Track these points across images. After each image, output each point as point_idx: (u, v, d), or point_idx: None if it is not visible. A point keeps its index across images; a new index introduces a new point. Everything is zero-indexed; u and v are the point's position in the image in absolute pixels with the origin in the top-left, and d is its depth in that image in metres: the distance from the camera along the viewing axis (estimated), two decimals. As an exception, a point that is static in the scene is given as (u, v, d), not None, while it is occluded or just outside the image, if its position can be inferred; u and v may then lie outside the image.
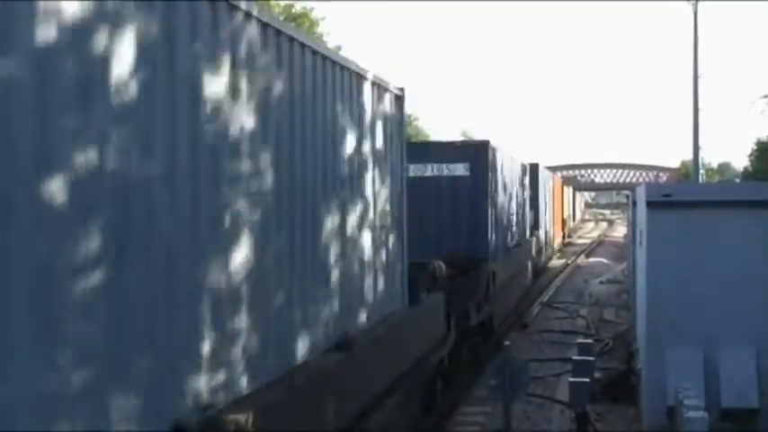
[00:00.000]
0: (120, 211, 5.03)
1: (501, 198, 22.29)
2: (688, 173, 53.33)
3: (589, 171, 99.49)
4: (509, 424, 11.93)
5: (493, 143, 20.74)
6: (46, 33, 4.41)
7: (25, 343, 4.37)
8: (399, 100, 12.06)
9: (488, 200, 19.97)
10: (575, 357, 15.57)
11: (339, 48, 39.51)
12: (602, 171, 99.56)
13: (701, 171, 40.17)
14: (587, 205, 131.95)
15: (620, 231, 70.30)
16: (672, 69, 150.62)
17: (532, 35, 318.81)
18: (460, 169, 19.60)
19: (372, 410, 9.62)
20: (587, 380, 13.83)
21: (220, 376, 6.24)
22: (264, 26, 7.21)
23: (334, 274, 9.12)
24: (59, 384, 4.58)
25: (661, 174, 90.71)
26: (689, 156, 44.19)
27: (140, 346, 5.30)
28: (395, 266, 11.70)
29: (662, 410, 12.44)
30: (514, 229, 25.52)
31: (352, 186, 9.81)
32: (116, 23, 4.97)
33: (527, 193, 29.68)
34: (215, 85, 6.18)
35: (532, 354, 21.14)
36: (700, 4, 37.50)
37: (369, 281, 10.38)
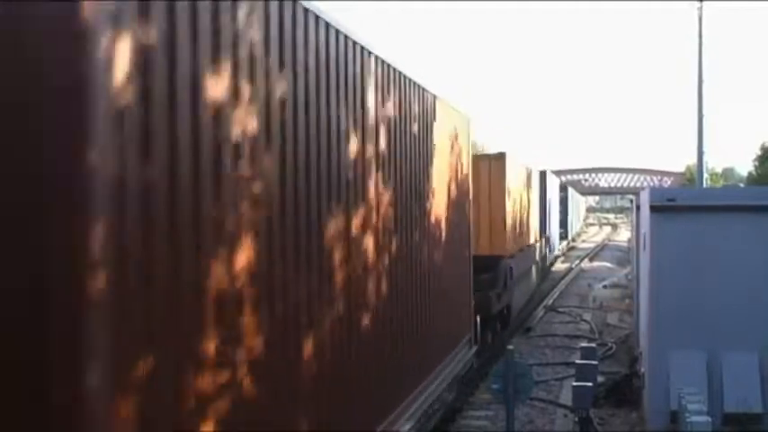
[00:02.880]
0: None
1: None
2: (692, 177, 53.30)
3: (593, 175, 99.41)
4: (512, 427, 11.94)
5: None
6: None
7: None
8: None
9: None
10: (578, 361, 15.59)
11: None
12: (606, 175, 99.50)
13: (705, 176, 40.13)
14: (591, 209, 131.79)
15: (623, 235, 70.26)
16: (676, 73, 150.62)
17: (537, 40, 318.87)
18: None
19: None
20: (590, 384, 13.84)
21: None
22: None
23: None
24: None
25: (665, 178, 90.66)
26: (693, 160, 44.19)
27: None
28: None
29: (665, 414, 12.45)
30: None
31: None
32: None
33: None
34: None
35: (536, 358, 21.15)
36: (704, 4, 37.50)
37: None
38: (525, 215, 26.64)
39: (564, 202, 51.27)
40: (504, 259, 20.99)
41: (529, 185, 27.93)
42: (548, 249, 37.53)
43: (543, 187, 34.99)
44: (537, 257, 31.63)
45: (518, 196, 24.39)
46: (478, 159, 20.20)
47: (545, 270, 37.39)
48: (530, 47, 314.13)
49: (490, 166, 20.95)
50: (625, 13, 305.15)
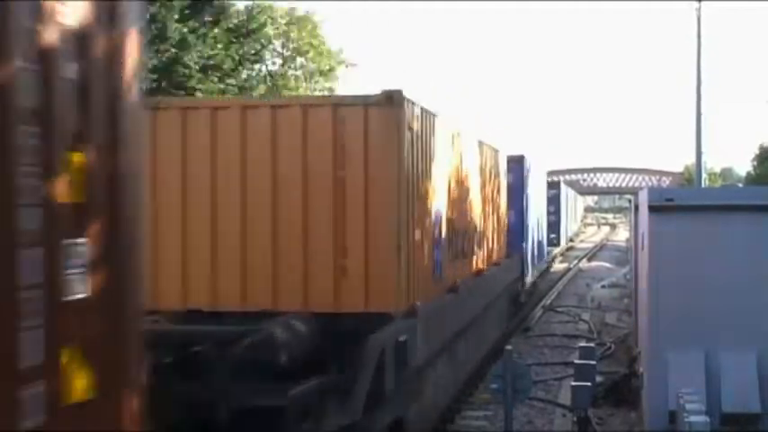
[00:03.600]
0: None
1: None
2: (691, 177, 53.34)
3: (592, 175, 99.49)
4: (510, 427, 11.95)
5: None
6: None
7: None
8: None
9: None
10: (576, 361, 15.59)
11: (340, 51, 39.56)
12: (604, 175, 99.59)
13: (704, 175, 40.16)
14: (589, 209, 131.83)
15: (622, 235, 70.32)
16: (676, 73, 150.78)
17: (537, 40, 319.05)
18: None
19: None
20: (589, 384, 13.85)
21: None
22: None
23: None
24: None
25: (664, 178, 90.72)
26: (692, 160, 44.22)
27: None
28: None
29: (664, 414, 12.44)
30: None
31: None
32: None
33: None
34: None
35: (534, 357, 21.16)
36: (703, 4, 37.55)
37: None
38: (470, 223, 16.08)
39: (555, 202, 42.66)
40: (386, 327, 9.92)
41: (482, 172, 17.45)
42: (525, 269, 26.08)
43: (518, 180, 25.22)
44: (498, 289, 20.01)
45: (449, 187, 13.89)
46: (335, 106, 10.52)
47: (518, 300, 25.64)
48: (529, 47, 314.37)
49: (366, 124, 10.41)
50: (625, 12, 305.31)
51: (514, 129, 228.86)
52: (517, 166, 25.15)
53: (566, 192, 50.67)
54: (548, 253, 37.81)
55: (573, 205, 63.45)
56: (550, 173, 46.30)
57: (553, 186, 43.19)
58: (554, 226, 41.82)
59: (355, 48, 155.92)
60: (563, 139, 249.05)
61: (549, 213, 38.69)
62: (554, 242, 42.20)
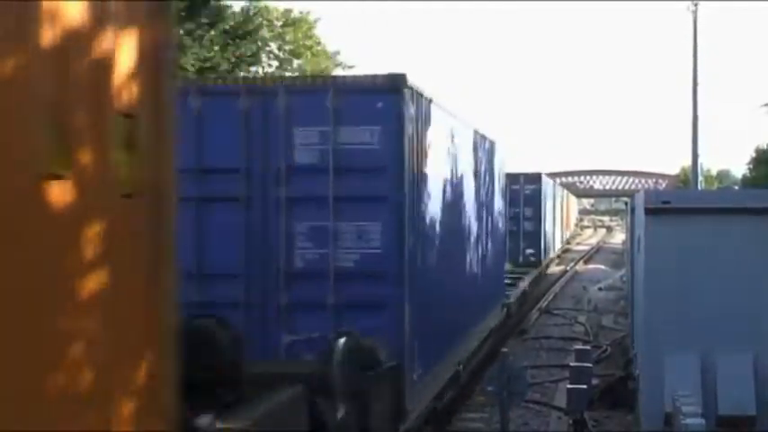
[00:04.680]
0: None
1: None
2: (687, 179, 53.39)
3: (588, 178, 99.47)
4: (507, 429, 11.94)
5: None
6: None
7: None
8: None
9: None
10: (572, 364, 15.59)
11: (337, 52, 39.54)
12: (601, 178, 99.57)
13: (700, 178, 40.21)
14: (585, 212, 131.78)
15: (618, 238, 70.32)
16: (672, 75, 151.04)
17: (532, 41, 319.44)
18: None
19: None
20: (585, 386, 13.84)
21: None
22: None
23: None
24: None
25: (660, 180, 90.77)
26: (688, 162, 44.29)
27: None
28: None
29: (659, 417, 12.44)
30: None
31: None
32: None
33: None
34: None
35: (531, 360, 21.16)
36: (701, 5, 37.66)
37: None
38: None
39: (534, 201, 31.96)
40: None
41: None
42: None
43: (393, 145, 9.64)
44: None
45: None
46: None
47: None
48: (528, 48, 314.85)
49: None
50: (621, 13, 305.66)
51: (513, 130, 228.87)
52: (386, 107, 9.75)
53: (551, 188, 37.93)
54: (507, 284, 22.76)
55: (563, 206, 47.78)
56: (547, 176, 42.89)
57: (531, 180, 32.04)
58: (532, 237, 31.10)
59: (354, 48, 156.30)
60: (560, 141, 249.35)
61: (524, 219, 30.42)
62: (533, 260, 31.38)
